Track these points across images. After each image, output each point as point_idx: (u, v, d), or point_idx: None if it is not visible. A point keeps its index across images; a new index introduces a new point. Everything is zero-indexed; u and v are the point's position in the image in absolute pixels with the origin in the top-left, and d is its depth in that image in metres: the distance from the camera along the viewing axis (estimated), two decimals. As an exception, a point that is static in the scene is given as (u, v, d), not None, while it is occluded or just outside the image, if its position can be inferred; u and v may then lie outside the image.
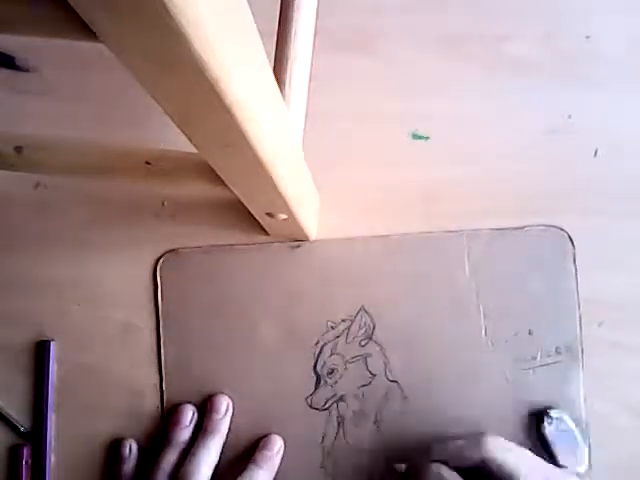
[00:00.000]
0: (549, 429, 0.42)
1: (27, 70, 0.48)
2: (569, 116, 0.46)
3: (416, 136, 0.47)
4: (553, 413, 0.43)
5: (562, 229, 0.45)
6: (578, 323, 0.45)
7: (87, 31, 0.19)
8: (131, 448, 0.45)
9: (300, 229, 0.42)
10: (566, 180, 0.46)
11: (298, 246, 0.46)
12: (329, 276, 0.45)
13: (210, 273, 0.46)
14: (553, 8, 0.47)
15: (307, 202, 0.42)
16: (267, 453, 0.43)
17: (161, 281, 0.46)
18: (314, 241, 0.46)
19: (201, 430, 0.44)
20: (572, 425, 0.43)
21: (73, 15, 0.18)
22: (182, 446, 0.43)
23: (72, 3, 0.17)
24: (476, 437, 0.38)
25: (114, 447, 0.45)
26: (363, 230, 0.46)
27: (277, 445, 0.44)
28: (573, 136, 0.46)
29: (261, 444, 0.44)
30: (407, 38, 0.47)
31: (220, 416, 0.44)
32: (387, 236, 0.46)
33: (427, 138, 0.47)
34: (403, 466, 0.42)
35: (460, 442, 0.39)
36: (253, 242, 0.46)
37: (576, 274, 0.45)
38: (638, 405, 0.44)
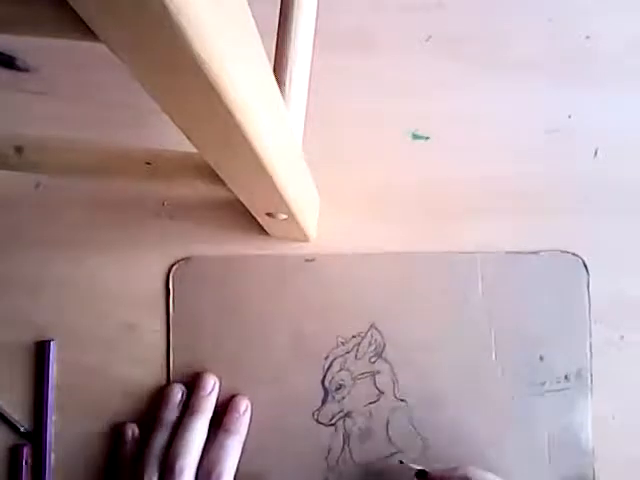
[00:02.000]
0: None
1: (27, 70, 0.48)
2: (569, 116, 0.46)
3: (416, 136, 0.47)
4: None
5: (577, 255, 0.45)
6: (589, 350, 0.44)
7: (87, 31, 0.19)
8: (133, 432, 0.44)
9: (300, 229, 0.42)
10: (566, 180, 0.46)
11: (312, 259, 0.46)
12: (341, 291, 0.45)
13: (222, 282, 0.46)
14: (553, 8, 0.47)
15: (307, 202, 0.41)
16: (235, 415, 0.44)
17: (173, 287, 0.46)
18: (327, 255, 0.46)
19: (187, 410, 0.43)
20: None
21: (73, 15, 0.18)
22: (171, 427, 0.43)
23: (72, 3, 0.17)
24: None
25: (116, 432, 0.45)
26: (363, 230, 0.46)
27: (243, 405, 0.44)
28: (573, 136, 0.46)
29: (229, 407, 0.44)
30: (407, 38, 0.47)
31: (206, 393, 0.44)
32: (400, 253, 0.45)
33: (427, 138, 0.47)
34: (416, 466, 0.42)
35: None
36: (266, 252, 0.46)
37: (589, 301, 0.45)
38: (638, 405, 0.44)
